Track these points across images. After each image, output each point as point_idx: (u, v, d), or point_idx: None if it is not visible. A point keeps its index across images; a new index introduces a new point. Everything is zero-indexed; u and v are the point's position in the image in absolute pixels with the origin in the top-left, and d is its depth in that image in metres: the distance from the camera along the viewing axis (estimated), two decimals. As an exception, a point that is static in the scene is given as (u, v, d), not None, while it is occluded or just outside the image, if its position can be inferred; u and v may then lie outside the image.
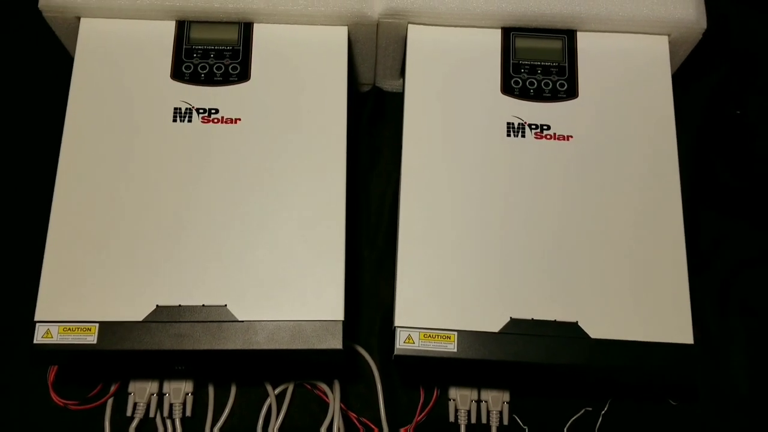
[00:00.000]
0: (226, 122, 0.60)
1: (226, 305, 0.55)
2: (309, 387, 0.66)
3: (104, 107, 0.60)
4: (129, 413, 0.63)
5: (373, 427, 0.65)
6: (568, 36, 0.64)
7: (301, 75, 0.62)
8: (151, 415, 0.63)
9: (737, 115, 0.79)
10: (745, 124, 0.78)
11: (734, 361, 0.69)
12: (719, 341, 0.70)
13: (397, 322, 0.55)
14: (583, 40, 0.64)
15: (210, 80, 0.62)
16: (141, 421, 0.63)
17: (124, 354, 0.54)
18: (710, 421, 0.67)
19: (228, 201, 0.58)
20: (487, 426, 0.65)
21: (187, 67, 0.62)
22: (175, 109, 0.60)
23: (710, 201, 0.75)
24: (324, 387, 0.65)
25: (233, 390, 0.65)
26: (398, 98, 0.68)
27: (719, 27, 0.80)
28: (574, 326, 0.56)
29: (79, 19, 0.63)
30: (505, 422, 0.64)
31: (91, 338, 0.53)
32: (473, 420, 0.65)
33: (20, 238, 0.69)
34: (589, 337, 0.55)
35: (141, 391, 0.63)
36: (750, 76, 0.80)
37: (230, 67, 0.62)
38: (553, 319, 0.56)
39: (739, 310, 0.71)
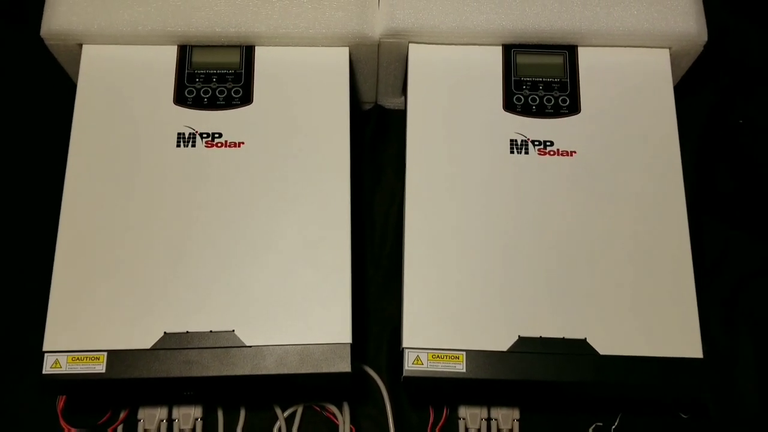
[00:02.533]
0: (229, 146, 0.60)
1: (233, 330, 0.55)
2: (318, 409, 0.66)
3: (108, 133, 0.60)
4: (139, 440, 0.63)
5: (383, 447, 0.65)
6: (570, 51, 0.65)
7: (303, 96, 0.62)
8: (161, 440, 0.63)
9: (740, 125, 0.79)
10: (748, 135, 0.78)
11: (742, 372, 0.69)
12: (727, 353, 0.69)
13: (405, 344, 0.55)
14: (584, 55, 0.65)
15: (213, 104, 0.62)
16: (151, 447, 0.63)
17: (132, 382, 0.53)
18: (722, 433, 0.67)
19: (233, 225, 0.58)
20: (498, 444, 0.64)
21: (190, 92, 0.62)
22: (179, 134, 0.61)
23: (714, 213, 0.75)
24: (333, 409, 0.65)
25: (242, 414, 0.65)
26: (400, 116, 0.68)
27: (720, 39, 0.80)
28: (582, 343, 0.56)
29: (81, 46, 0.63)
30: (516, 440, 0.64)
31: (100, 367, 0.53)
32: (484, 438, 0.64)
33: (27, 268, 0.70)
34: (598, 354, 0.55)
35: (150, 418, 0.63)
36: (751, 87, 0.80)
37: (233, 90, 0.62)
38: (561, 337, 0.56)
39: (747, 322, 0.70)
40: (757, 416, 0.67)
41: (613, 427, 0.66)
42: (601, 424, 0.66)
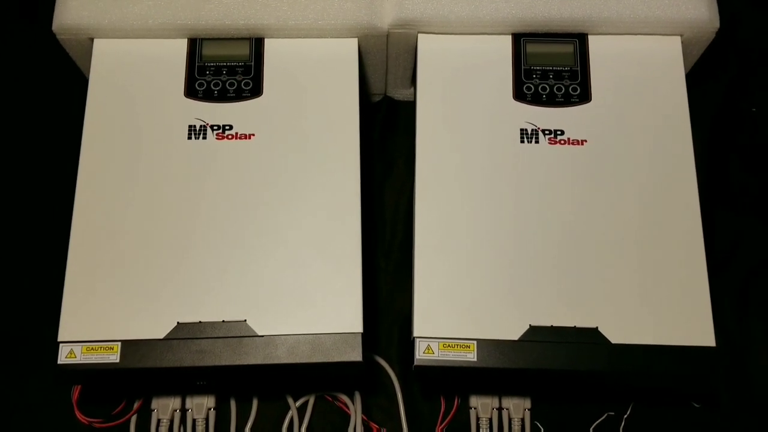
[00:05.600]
0: (240, 138, 0.61)
1: (245, 320, 0.55)
2: (330, 399, 0.66)
3: (120, 126, 0.61)
4: (153, 430, 0.63)
5: (394, 437, 0.65)
6: (580, 40, 0.64)
7: (312, 88, 0.62)
8: (175, 430, 0.64)
9: (753, 113, 0.78)
10: (761, 123, 0.78)
11: (755, 362, 0.68)
12: (740, 343, 0.69)
13: (416, 333, 0.55)
14: (594, 43, 0.64)
15: (223, 96, 0.62)
16: (164, 437, 0.64)
17: (146, 372, 0.54)
18: (733, 423, 0.66)
19: (244, 216, 0.58)
20: (510, 433, 0.64)
21: (200, 84, 0.62)
22: (190, 126, 0.61)
23: (726, 201, 0.74)
24: (345, 398, 0.65)
25: (255, 403, 0.66)
26: (410, 107, 0.68)
27: (732, 26, 0.79)
28: (594, 332, 0.55)
29: (92, 40, 0.64)
30: (527, 429, 0.64)
31: (114, 357, 0.54)
32: (495, 428, 0.64)
33: (41, 260, 0.70)
34: (610, 343, 0.55)
35: (164, 408, 0.64)
36: (764, 75, 0.79)
37: (243, 82, 0.63)
38: (572, 326, 0.56)
39: (759, 311, 0.70)
40: (771, 405, 0.67)
41: (625, 416, 0.66)
42: (613, 413, 0.66)
